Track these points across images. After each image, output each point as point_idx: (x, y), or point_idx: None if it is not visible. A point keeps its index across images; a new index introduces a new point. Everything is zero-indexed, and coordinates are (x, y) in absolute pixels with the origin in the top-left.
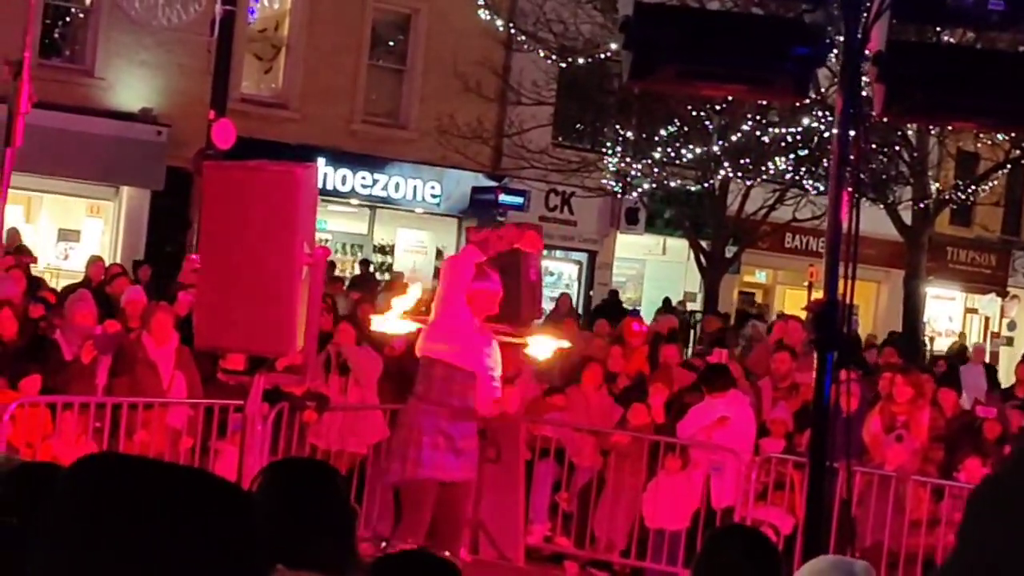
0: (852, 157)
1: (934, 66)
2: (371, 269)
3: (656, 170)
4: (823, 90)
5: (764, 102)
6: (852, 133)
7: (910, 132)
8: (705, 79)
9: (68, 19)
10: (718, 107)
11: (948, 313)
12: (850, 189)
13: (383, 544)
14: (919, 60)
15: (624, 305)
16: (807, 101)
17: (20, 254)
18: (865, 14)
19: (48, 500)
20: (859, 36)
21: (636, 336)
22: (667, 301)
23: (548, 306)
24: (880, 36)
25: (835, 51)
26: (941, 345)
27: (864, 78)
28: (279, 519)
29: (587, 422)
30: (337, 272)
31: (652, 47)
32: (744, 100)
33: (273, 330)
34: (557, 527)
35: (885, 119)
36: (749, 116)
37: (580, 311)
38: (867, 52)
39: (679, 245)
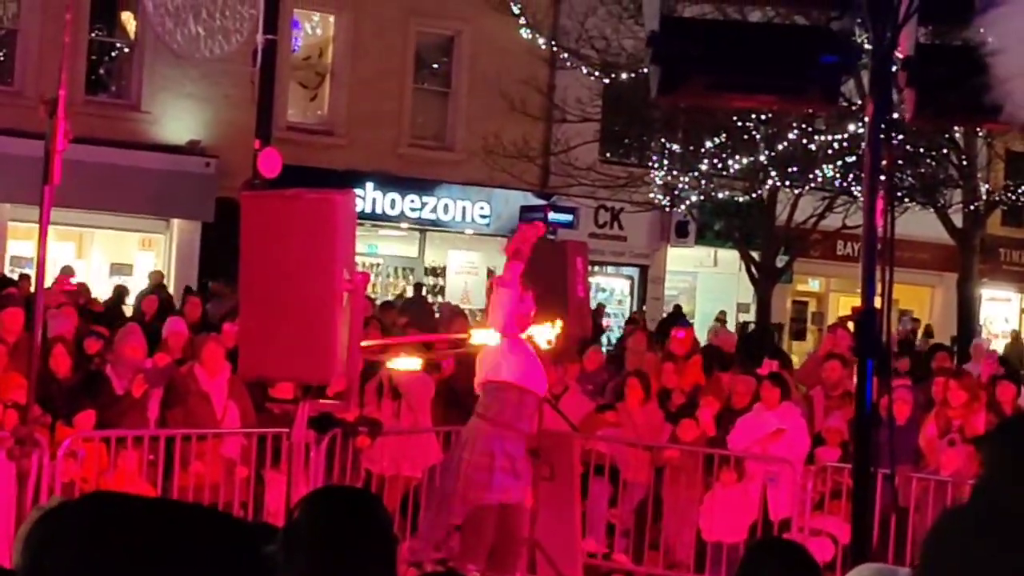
0: (884, 163)
1: (965, 68)
2: (423, 292)
3: (703, 182)
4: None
5: (810, 110)
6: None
7: (957, 134)
8: (734, 91)
9: (113, 55)
10: (764, 117)
11: (1004, 315)
12: (885, 194)
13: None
14: (949, 62)
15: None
16: (853, 108)
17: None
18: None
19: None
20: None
21: (680, 344)
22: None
23: (602, 321)
24: (909, 40)
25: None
26: (997, 347)
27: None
28: (319, 548)
29: (635, 437)
30: (390, 296)
31: (679, 61)
32: (773, 110)
33: (314, 357)
34: (615, 544)
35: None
36: (795, 125)
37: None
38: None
39: (730, 256)
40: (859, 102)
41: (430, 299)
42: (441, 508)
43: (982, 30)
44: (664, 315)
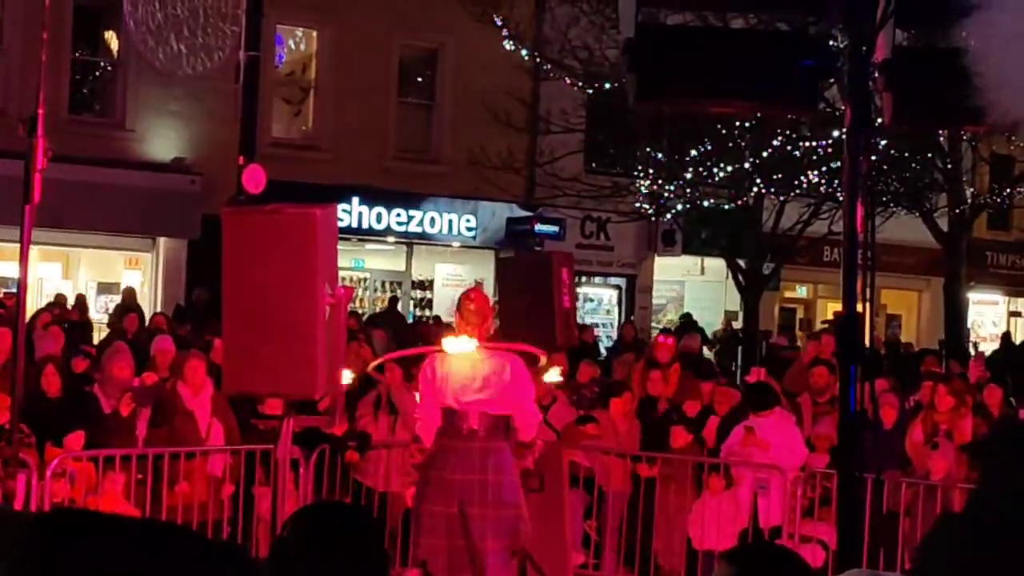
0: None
1: (943, 71)
2: (399, 306)
3: (689, 190)
4: None
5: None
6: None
7: (942, 138)
8: (711, 96)
9: (97, 74)
10: (748, 124)
11: (991, 318)
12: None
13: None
14: (927, 66)
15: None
16: (836, 113)
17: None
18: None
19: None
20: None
21: (665, 350)
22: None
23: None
24: (886, 43)
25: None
26: (985, 349)
27: None
28: (308, 564)
29: (618, 447)
30: (378, 310)
31: (656, 67)
32: (755, 116)
33: (296, 373)
34: (604, 554)
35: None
36: (779, 131)
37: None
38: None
39: (717, 265)
40: (843, 108)
41: (417, 312)
42: None
43: (964, 34)
44: (655, 324)
